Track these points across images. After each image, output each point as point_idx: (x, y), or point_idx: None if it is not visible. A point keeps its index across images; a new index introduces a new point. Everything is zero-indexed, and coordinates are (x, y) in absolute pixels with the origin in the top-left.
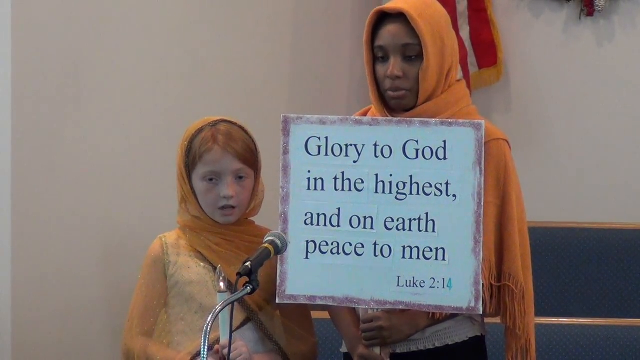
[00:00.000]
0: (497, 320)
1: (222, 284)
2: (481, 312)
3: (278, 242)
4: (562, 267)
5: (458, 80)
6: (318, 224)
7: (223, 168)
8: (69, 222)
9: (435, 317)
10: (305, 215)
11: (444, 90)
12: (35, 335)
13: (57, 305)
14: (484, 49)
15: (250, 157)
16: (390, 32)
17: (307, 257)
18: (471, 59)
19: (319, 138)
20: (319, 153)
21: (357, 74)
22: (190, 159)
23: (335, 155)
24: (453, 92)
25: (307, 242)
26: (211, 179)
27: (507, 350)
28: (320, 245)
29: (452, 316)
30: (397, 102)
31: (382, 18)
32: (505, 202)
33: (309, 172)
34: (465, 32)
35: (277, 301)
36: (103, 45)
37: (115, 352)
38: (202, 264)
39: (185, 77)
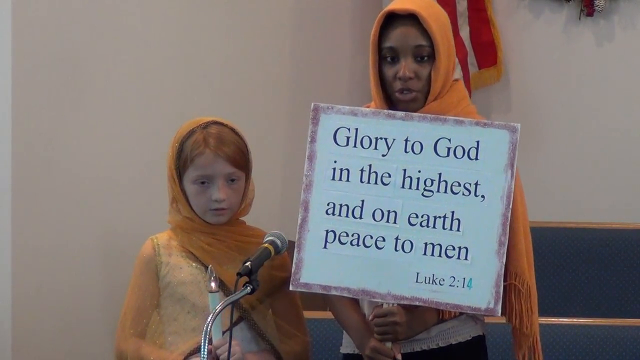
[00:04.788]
0: (497, 320)
1: (213, 284)
2: (500, 315)
3: (278, 242)
4: (562, 267)
5: (455, 80)
6: (340, 215)
7: (214, 172)
8: (68, 222)
9: (445, 316)
10: (328, 204)
11: (447, 90)
12: (34, 335)
13: (56, 306)
14: (484, 49)
15: (241, 160)
16: (401, 34)
17: (325, 247)
18: (471, 59)
19: (349, 129)
20: (347, 144)
21: (357, 73)
22: (182, 162)
23: (364, 148)
24: (455, 91)
25: (327, 231)
26: (202, 182)
27: (516, 350)
28: (340, 235)
29: (459, 314)
30: (406, 105)
31: (388, 18)
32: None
33: (335, 162)
34: (465, 32)
35: (291, 288)
36: (103, 44)
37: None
38: (194, 264)
39: (185, 76)
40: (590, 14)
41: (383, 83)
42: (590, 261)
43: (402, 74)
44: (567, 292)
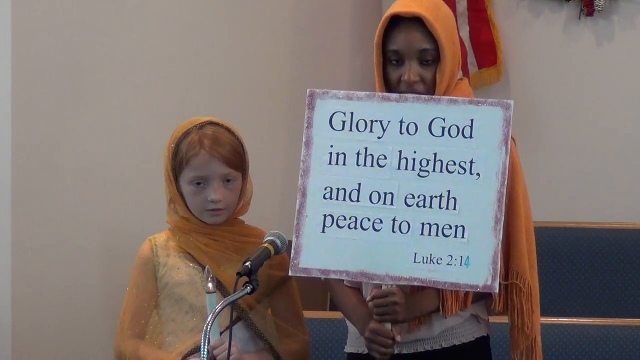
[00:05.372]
0: (500, 320)
1: (210, 285)
2: (497, 292)
3: (278, 242)
4: (562, 267)
5: (460, 79)
6: (337, 199)
7: (210, 173)
8: (68, 222)
9: (447, 313)
10: (325, 189)
11: (452, 90)
12: (34, 335)
13: (56, 306)
14: (484, 49)
15: (237, 160)
16: (407, 37)
17: (323, 231)
18: (471, 59)
19: (344, 113)
20: (343, 128)
21: (357, 73)
22: (178, 163)
23: (359, 131)
24: (460, 90)
25: (325, 216)
26: (199, 183)
27: (513, 349)
28: (338, 219)
29: (471, 299)
30: None
31: (393, 20)
32: (513, 200)
33: (331, 146)
34: (465, 32)
35: (290, 274)
36: (103, 45)
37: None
38: (191, 264)
39: (185, 76)
40: (590, 14)
41: (388, 84)
42: (591, 261)
43: (407, 78)
44: (567, 292)
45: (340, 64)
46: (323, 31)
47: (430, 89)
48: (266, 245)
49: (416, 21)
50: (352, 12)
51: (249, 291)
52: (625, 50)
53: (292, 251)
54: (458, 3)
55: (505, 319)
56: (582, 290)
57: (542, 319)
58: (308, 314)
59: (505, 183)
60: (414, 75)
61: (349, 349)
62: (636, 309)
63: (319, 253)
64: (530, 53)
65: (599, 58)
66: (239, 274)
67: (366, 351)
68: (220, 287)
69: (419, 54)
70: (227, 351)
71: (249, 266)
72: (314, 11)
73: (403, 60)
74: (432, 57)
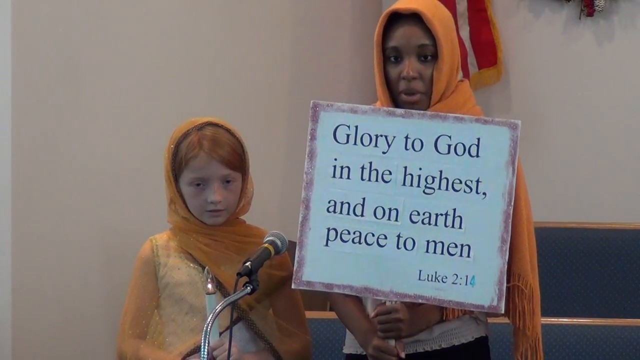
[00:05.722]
0: (499, 320)
1: (210, 286)
2: (503, 312)
3: (278, 242)
4: (562, 267)
5: (461, 81)
6: (341, 212)
7: (209, 174)
8: (68, 221)
9: (448, 317)
10: (329, 202)
11: (452, 91)
12: (34, 335)
13: (56, 306)
14: (484, 49)
15: (236, 161)
16: (405, 33)
17: (327, 245)
18: (471, 59)
19: (349, 126)
20: (347, 141)
21: (357, 73)
22: (177, 164)
23: (364, 145)
24: (461, 92)
25: (328, 229)
26: (198, 184)
27: (515, 350)
28: (341, 233)
29: (462, 315)
30: (411, 107)
31: (392, 18)
32: (514, 203)
33: (335, 159)
34: (465, 32)
35: (293, 287)
36: (103, 45)
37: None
38: (191, 265)
39: (185, 76)
40: (590, 14)
41: (388, 83)
42: (590, 261)
43: (405, 73)
44: (567, 292)
45: (340, 64)
46: (323, 31)
47: (428, 87)
48: (266, 245)
49: (414, 17)
50: (352, 12)
51: (248, 291)
52: (625, 50)
53: (295, 263)
54: (458, 3)
55: (504, 319)
56: (582, 290)
57: (542, 319)
58: (308, 314)
59: (512, 203)
60: (412, 71)
61: (347, 349)
62: (636, 309)
63: (322, 266)
64: (530, 53)
65: (599, 58)
66: (239, 274)
67: (364, 352)
68: (220, 287)
69: (417, 50)
70: (226, 351)
71: (249, 266)
72: (314, 11)
73: (402, 56)
74: (430, 53)
